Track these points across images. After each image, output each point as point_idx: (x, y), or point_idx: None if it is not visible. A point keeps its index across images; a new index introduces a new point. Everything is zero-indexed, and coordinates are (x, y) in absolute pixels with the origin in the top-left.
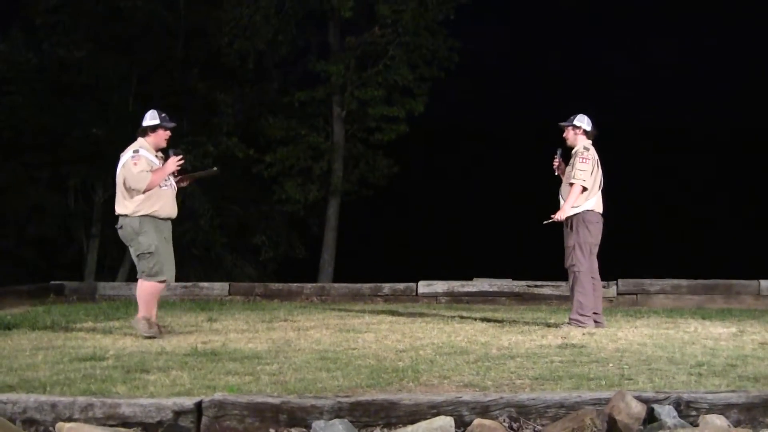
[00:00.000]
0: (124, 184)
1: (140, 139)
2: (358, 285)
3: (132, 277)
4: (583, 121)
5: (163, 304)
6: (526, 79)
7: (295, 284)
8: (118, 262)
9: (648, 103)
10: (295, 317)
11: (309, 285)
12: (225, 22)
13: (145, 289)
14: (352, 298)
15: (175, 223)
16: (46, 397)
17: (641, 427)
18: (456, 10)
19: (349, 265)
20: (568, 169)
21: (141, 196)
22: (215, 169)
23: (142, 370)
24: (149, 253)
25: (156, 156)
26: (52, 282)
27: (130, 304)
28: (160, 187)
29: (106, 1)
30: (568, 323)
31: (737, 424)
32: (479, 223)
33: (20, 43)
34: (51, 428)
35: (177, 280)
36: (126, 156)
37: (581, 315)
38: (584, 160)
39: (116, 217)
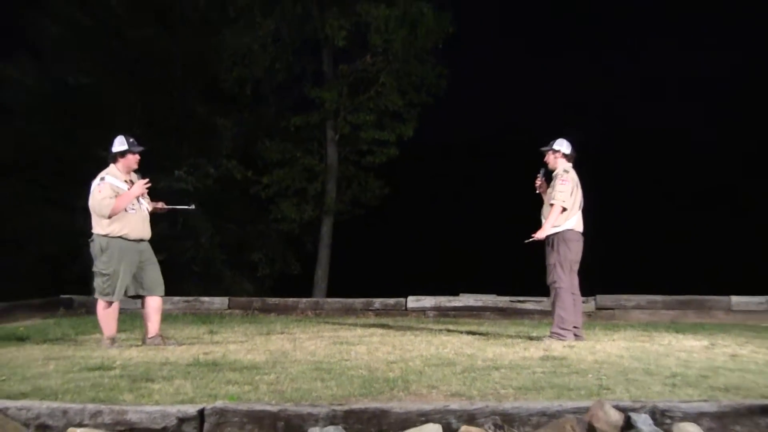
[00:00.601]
0: (92, 210)
1: (111, 166)
2: (351, 300)
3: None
4: (562, 145)
5: (167, 317)
6: (512, 102)
7: (290, 299)
8: None
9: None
10: (291, 330)
11: (304, 300)
12: (225, 50)
13: (100, 309)
14: (344, 312)
15: (178, 241)
16: (58, 404)
17: None
18: (444, 39)
19: (342, 281)
20: (549, 190)
21: (108, 220)
22: (193, 207)
23: (147, 379)
24: (106, 274)
25: (126, 180)
26: (62, 296)
27: (135, 317)
28: (126, 211)
29: (112, 29)
30: (550, 336)
31: (709, 431)
32: (465, 242)
33: (28, 69)
34: None
35: (179, 294)
36: (94, 183)
37: (562, 329)
38: (564, 182)
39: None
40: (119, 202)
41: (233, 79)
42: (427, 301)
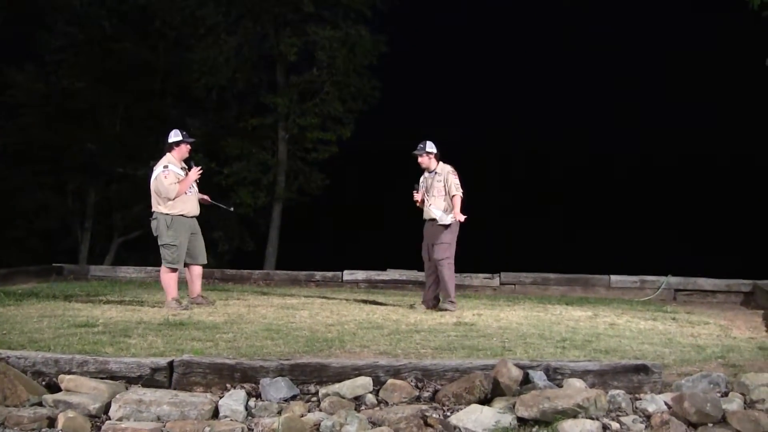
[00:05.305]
0: (157, 192)
1: (168, 155)
2: (296, 272)
3: (116, 262)
4: (433, 147)
5: (141, 284)
6: (435, 111)
7: (245, 270)
8: (105, 250)
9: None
10: (245, 297)
11: (257, 271)
12: (195, 62)
13: (166, 274)
14: (290, 282)
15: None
16: (51, 355)
17: (519, 388)
18: (378, 57)
19: (289, 257)
20: (438, 185)
21: (172, 201)
22: (232, 209)
23: (125, 335)
24: (173, 245)
25: (181, 168)
26: (54, 264)
27: (115, 284)
28: (186, 193)
29: (101, 44)
30: (446, 309)
31: (592, 385)
32: (392, 225)
33: (33, 75)
34: (54, 379)
35: (153, 265)
36: (158, 170)
37: (452, 301)
38: (456, 176)
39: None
40: (182, 185)
41: (201, 86)
42: (360, 275)
